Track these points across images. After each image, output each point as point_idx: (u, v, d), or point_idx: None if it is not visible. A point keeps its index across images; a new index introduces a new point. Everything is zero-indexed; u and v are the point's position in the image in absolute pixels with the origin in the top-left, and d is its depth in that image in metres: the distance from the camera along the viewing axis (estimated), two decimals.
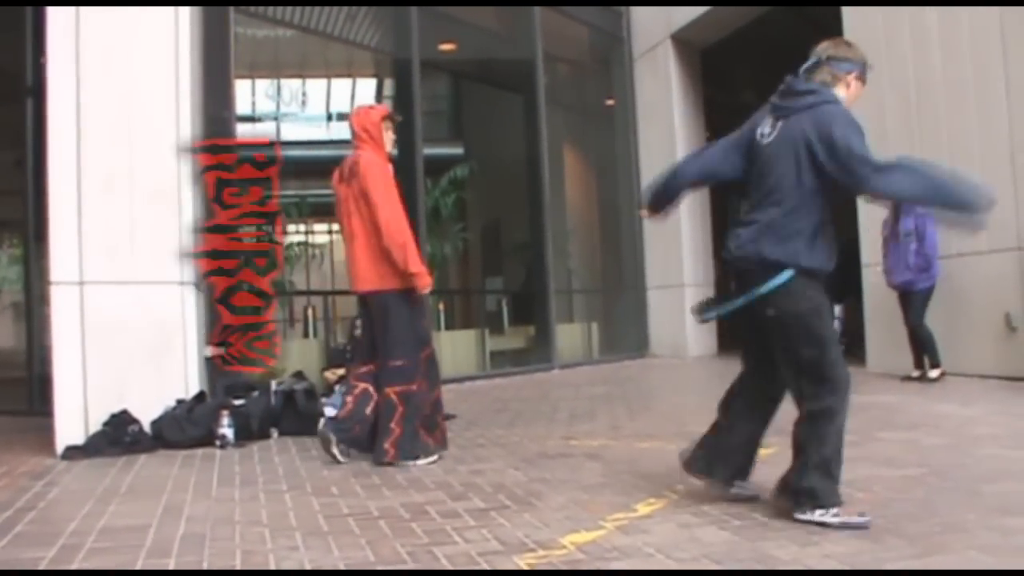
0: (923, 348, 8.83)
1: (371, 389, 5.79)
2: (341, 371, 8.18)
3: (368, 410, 5.75)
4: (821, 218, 3.87)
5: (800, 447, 3.88)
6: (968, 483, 4.39)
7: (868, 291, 10.29)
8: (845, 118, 3.80)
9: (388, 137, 5.99)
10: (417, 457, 5.63)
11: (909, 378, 8.87)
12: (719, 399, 4.30)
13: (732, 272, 4.06)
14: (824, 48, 4.02)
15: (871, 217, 10.06)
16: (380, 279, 5.73)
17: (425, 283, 5.74)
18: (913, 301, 8.88)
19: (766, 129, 4.00)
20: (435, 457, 5.73)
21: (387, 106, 6.39)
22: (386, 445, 5.61)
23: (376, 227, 5.66)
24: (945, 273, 8.88)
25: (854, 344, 10.39)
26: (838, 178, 3.75)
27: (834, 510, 3.70)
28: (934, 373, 8.68)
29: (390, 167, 5.96)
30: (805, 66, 4.02)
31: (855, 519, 3.67)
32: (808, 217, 3.84)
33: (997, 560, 3.13)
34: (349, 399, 5.84)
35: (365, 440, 5.78)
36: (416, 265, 5.66)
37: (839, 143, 3.70)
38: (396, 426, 5.64)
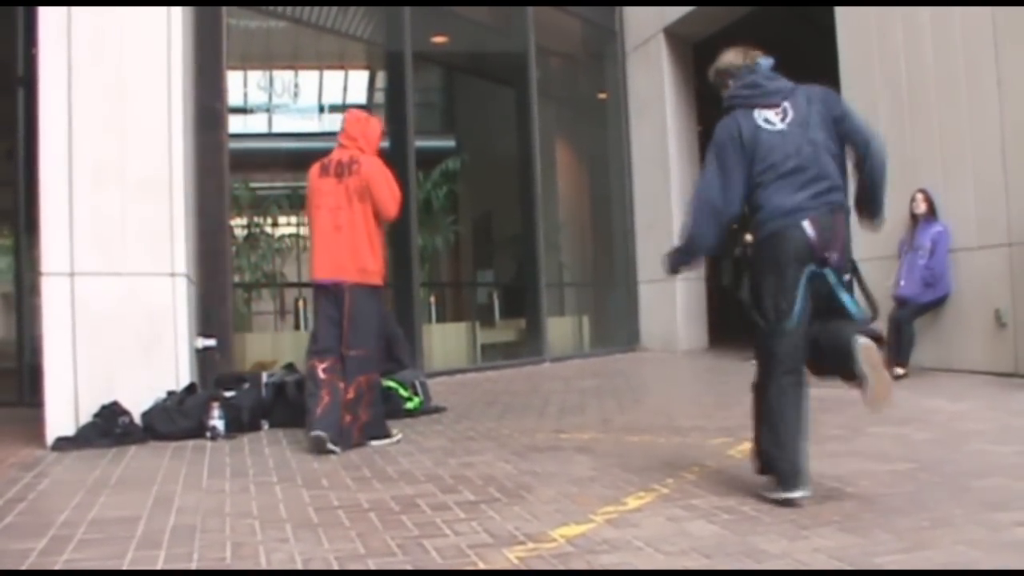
0: (898, 344, 8.78)
1: (338, 380, 6.01)
2: None
3: (342, 399, 5.96)
4: None
5: None
6: (957, 478, 4.41)
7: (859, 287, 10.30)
8: None
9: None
10: (377, 438, 6.12)
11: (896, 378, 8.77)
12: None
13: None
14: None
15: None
16: (359, 272, 6.04)
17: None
18: (911, 305, 8.88)
19: (770, 116, 4.19)
20: (399, 438, 6.26)
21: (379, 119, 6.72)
22: (354, 430, 6.00)
23: (367, 221, 6.04)
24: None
25: None
26: (858, 142, 4.20)
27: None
28: (899, 371, 8.65)
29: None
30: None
31: None
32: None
33: (985, 555, 3.15)
34: (324, 393, 5.96)
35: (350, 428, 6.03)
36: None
37: (851, 109, 4.23)
38: (363, 413, 6.04)
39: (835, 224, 4.07)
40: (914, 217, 9.07)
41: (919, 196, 9.02)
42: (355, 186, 6.01)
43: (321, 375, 6.01)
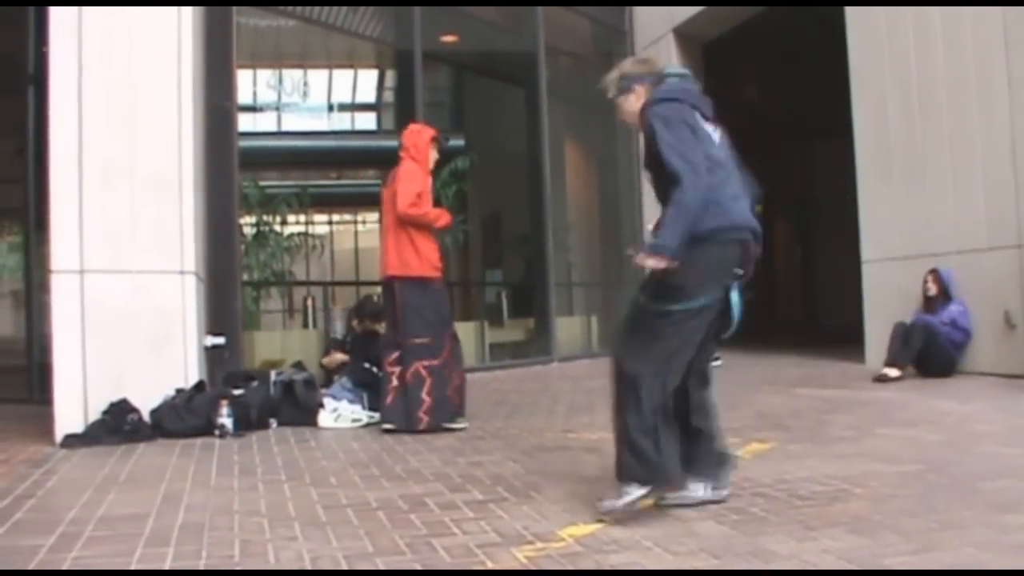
0: (904, 346, 8.72)
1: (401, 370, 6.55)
2: (342, 356, 8.14)
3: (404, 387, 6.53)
4: None
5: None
6: (966, 480, 4.39)
7: (868, 289, 10.29)
8: None
9: (432, 155, 6.90)
10: (448, 421, 6.53)
11: (886, 378, 8.73)
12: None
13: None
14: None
15: (872, 216, 10.09)
16: (403, 267, 6.60)
17: (446, 220, 6.82)
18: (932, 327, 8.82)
19: (709, 128, 4.07)
20: (465, 424, 6.64)
21: (436, 129, 6.98)
22: (419, 414, 6.44)
23: (403, 221, 6.58)
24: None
25: None
26: None
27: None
28: (895, 372, 8.62)
29: (426, 177, 6.81)
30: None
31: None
32: None
33: (994, 557, 3.14)
34: (390, 387, 6.58)
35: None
36: (434, 216, 6.71)
37: None
38: (427, 396, 6.46)
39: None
40: (928, 299, 9.01)
41: (930, 278, 8.95)
42: (393, 191, 6.66)
43: (387, 368, 6.62)
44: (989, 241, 8.51)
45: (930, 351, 8.70)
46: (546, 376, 10.87)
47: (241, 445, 6.23)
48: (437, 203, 12.29)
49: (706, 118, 4.06)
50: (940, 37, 9.17)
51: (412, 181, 6.60)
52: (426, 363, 6.47)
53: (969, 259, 8.84)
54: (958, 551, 3.21)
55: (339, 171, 18.79)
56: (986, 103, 8.65)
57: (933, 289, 8.92)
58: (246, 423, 6.75)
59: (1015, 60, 8.33)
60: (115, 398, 6.54)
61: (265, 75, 16.31)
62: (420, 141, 6.82)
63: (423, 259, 6.61)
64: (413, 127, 7.12)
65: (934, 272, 8.89)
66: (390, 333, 6.81)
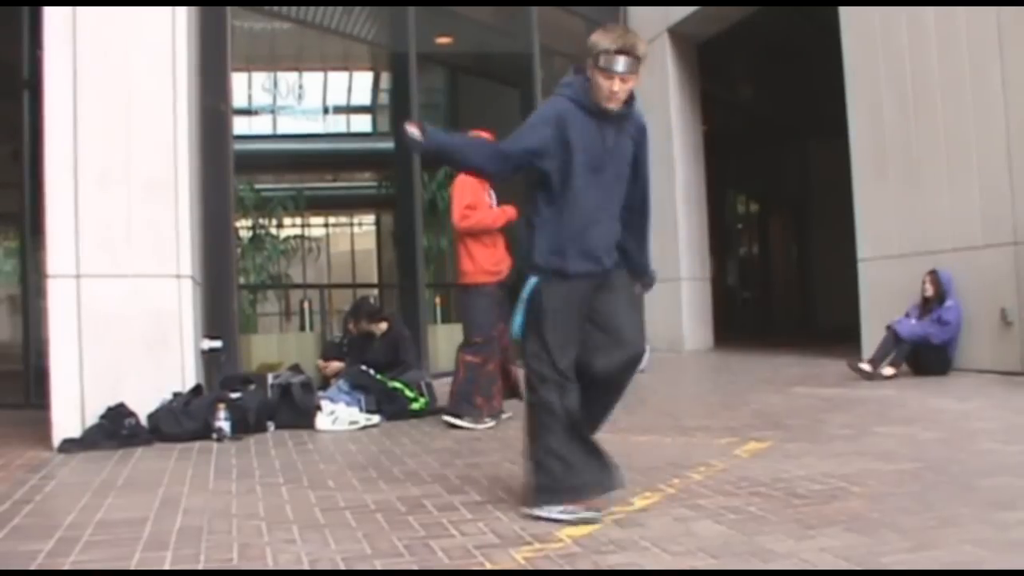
0: (896, 348, 8.74)
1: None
2: (339, 364, 8.20)
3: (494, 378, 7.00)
4: None
5: None
6: (963, 478, 4.40)
7: (864, 287, 10.31)
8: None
9: None
10: (459, 417, 6.80)
11: (859, 369, 8.79)
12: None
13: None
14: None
15: (867, 215, 10.11)
16: (460, 275, 7.11)
17: (503, 220, 6.99)
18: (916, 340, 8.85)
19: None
20: (487, 424, 6.82)
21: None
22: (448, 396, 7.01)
23: (462, 234, 6.98)
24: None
25: None
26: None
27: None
28: (890, 371, 8.65)
29: (477, 186, 6.96)
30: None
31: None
32: None
33: (991, 554, 3.14)
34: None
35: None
36: (490, 220, 6.96)
37: None
38: (453, 386, 6.95)
39: None
40: (924, 299, 9.02)
41: (928, 279, 8.97)
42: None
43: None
44: (985, 239, 8.53)
45: (922, 352, 8.75)
46: None
47: (239, 448, 6.23)
48: (432, 207, 12.28)
49: None
50: (934, 37, 9.20)
51: (462, 195, 6.92)
52: (468, 359, 6.87)
53: (965, 257, 8.86)
54: (956, 549, 3.21)
55: (335, 173, 18.77)
56: (981, 102, 8.67)
57: (930, 290, 8.93)
58: (243, 426, 6.74)
59: (1009, 60, 8.36)
60: (112, 402, 6.53)
61: (260, 78, 16.27)
62: None
63: (477, 266, 6.92)
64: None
65: (933, 273, 8.89)
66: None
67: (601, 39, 3.87)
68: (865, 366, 8.75)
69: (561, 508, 3.81)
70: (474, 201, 6.90)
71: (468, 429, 6.70)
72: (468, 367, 6.86)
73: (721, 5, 12.60)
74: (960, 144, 8.87)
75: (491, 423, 6.83)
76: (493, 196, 7.07)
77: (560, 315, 3.92)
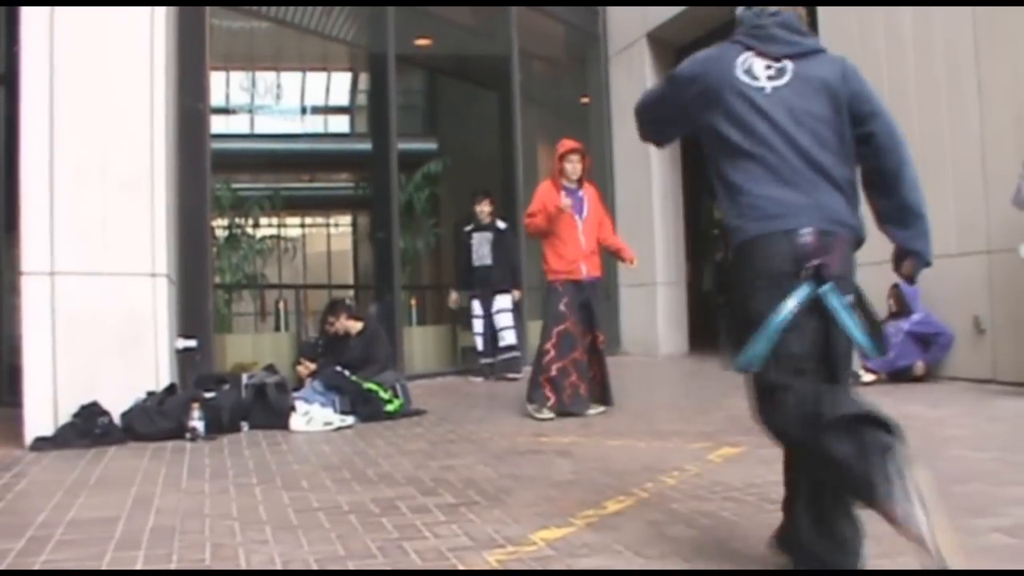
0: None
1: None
2: (313, 365, 8.19)
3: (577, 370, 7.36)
4: None
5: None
6: (936, 484, 4.42)
7: (865, 290, 10.35)
8: None
9: (566, 168, 7.54)
10: (531, 402, 7.30)
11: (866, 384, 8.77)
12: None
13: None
14: None
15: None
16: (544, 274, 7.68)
17: (547, 216, 7.38)
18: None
19: (760, 72, 3.24)
20: (545, 415, 7.15)
21: (573, 143, 7.67)
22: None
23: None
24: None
25: None
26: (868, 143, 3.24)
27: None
28: (870, 377, 8.70)
29: (550, 190, 7.51)
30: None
31: None
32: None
33: (964, 560, 3.16)
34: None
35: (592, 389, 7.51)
36: (541, 221, 7.44)
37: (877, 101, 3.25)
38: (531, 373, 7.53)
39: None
40: (891, 313, 9.02)
41: (890, 293, 8.91)
42: None
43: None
44: (959, 247, 8.58)
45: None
46: (517, 380, 10.86)
47: (212, 448, 6.21)
48: (409, 209, 12.27)
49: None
50: (911, 40, 9.24)
51: (534, 201, 7.60)
52: (541, 346, 7.37)
53: (938, 264, 8.70)
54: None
55: (312, 174, 18.78)
56: (956, 106, 8.72)
57: (894, 306, 8.95)
58: (217, 426, 6.72)
59: (984, 64, 8.40)
60: (85, 401, 6.50)
61: (238, 77, 16.25)
62: (555, 156, 7.61)
63: (547, 265, 7.54)
64: (560, 142, 7.73)
65: (895, 288, 8.86)
66: None
67: None
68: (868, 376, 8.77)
69: None
70: (535, 209, 7.50)
71: (530, 416, 7.23)
72: (536, 354, 7.43)
73: (701, 5, 12.59)
74: (935, 150, 8.90)
75: (550, 416, 7.16)
76: (570, 200, 7.42)
77: None
